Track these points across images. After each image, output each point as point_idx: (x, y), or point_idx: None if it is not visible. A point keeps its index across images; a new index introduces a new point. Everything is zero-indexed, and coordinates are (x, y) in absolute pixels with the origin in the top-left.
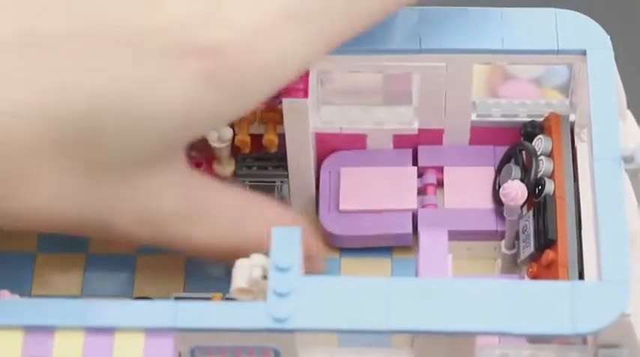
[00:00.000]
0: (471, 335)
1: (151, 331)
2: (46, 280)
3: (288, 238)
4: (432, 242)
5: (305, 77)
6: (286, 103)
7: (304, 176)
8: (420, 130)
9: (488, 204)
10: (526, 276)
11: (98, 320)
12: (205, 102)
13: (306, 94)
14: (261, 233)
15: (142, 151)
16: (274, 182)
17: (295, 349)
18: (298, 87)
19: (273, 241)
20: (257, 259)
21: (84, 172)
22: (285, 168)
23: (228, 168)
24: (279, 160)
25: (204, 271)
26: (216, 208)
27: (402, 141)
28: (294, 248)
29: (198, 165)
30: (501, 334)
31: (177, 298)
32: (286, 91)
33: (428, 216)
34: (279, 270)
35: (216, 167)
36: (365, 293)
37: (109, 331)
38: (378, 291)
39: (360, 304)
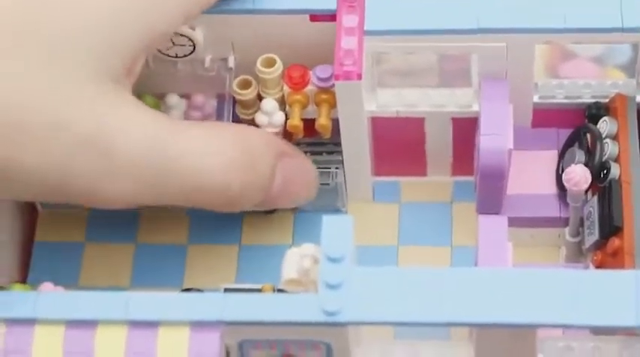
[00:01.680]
0: (532, 328)
1: (197, 325)
2: (94, 271)
3: (340, 227)
4: (492, 230)
5: (359, 59)
6: (339, 86)
7: (360, 162)
8: (478, 112)
9: (552, 189)
10: (591, 264)
11: (141, 314)
12: None
13: (359, 77)
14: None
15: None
16: (329, 168)
17: (347, 343)
18: (352, 69)
19: (324, 230)
20: (307, 248)
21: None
22: (341, 154)
23: None
24: (334, 145)
25: (257, 261)
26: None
27: (461, 124)
28: (346, 237)
29: None
30: (563, 326)
31: (226, 290)
32: (339, 74)
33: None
34: (330, 260)
35: None
36: (420, 284)
37: (152, 324)
38: (434, 281)
39: (416, 296)
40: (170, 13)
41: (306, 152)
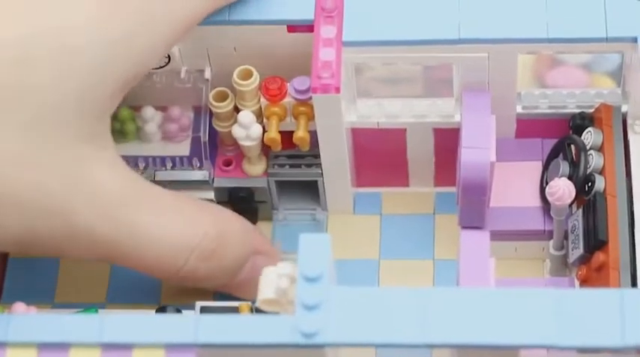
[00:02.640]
0: (515, 349)
1: (172, 347)
2: (70, 287)
3: (316, 246)
4: (474, 245)
5: (337, 71)
6: (317, 99)
7: (340, 174)
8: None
9: (536, 202)
10: (575, 279)
11: (115, 336)
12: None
13: (338, 90)
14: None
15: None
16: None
17: None
18: (329, 82)
19: (301, 249)
20: (284, 267)
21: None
22: (320, 166)
23: (258, 167)
24: (313, 157)
25: None
26: (163, 198)
27: (443, 134)
28: (324, 256)
29: (227, 163)
30: (547, 347)
31: (203, 308)
32: (317, 87)
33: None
34: (307, 280)
35: (246, 166)
36: (401, 305)
37: (126, 347)
38: (415, 302)
39: (396, 317)
40: (155, 52)
41: (284, 165)
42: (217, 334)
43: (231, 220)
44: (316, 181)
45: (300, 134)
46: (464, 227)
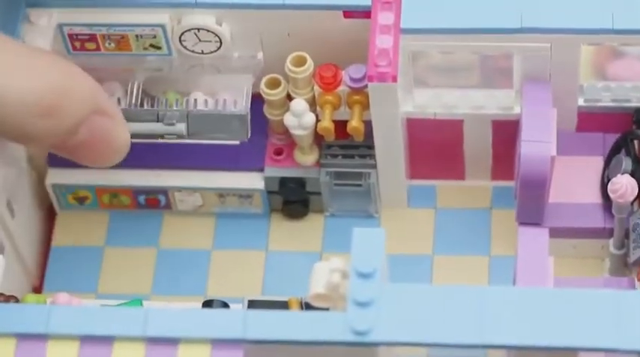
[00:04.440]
0: (573, 351)
1: (219, 343)
2: (114, 277)
3: (371, 241)
4: (532, 243)
5: (394, 59)
6: (373, 88)
7: (394, 166)
8: (520, 115)
9: (596, 198)
10: (636, 279)
11: (160, 330)
12: None
13: (394, 79)
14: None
15: None
16: (361, 172)
17: None
18: (386, 70)
19: (354, 243)
20: (337, 262)
21: None
22: (374, 157)
23: (310, 156)
24: (367, 148)
25: (284, 268)
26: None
27: (501, 127)
28: (378, 251)
29: (278, 152)
30: (607, 351)
31: (251, 302)
32: (373, 75)
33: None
34: (360, 276)
35: (298, 155)
36: (456, 303)
37: (172, 342)
38: (471, 301)
39: (451, 316)
40: None
41: (337, 155)
42: (266, 331)
43: (79, 75)
44: (369, 188)
45: (355, 124)
46: (522, 223)
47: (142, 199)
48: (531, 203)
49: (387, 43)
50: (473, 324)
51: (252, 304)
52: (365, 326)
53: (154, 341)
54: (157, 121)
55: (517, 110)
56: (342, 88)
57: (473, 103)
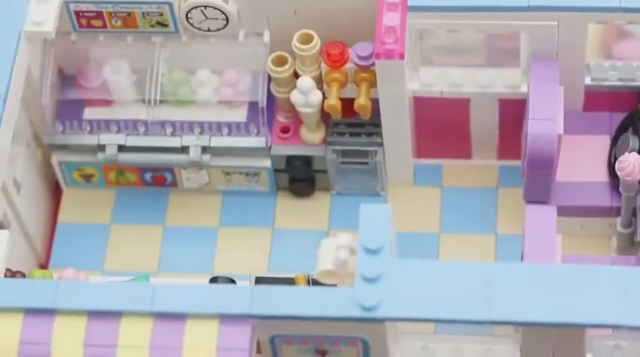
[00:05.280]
0: (581, 328)
1: (227, 318)
2: (120, 255)
3: (378, 217)
4: (540, 220)
5: (402, 36)
6: (380, 65)
7: (400, 144)
8: (527, 94)
9: (603, 177)
10: None
11: (168, 305)
12: None
13: (402, 56)
14: None
15: None
16: (368, 150)
17: (385, 339)
18: (393, 47)
19: (362, 220)
20: (344, 238)
21: None
22: (380, 135)
23: (317, 135)
24: (373, 126)
25: (291, 246)
26: None
27: (508, 106)
28: (385, 228)
29: (285, 130)
30: (614, 327)
31: (258, 279)
32: (380, 52)
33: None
34: (368, 252)
35: (305, 133)
36: (464, 279)
37: (179, 317)
38: (479, 277)
39: (459, 291)
40: None
41: (344, 133)
42: (274, 306)
43: None
44: (375, 166)
45: (362, 101)
46: (528, 202)
47: (148, 176)
48: (538, 182)
49: (394, 20)
50: (480, 300)
51: (259, 281)
52: (372, 302)
53: (161, 316)
54: (181, 151)
55: (524, 89)
56: (349, 66)
57: (479, 82)
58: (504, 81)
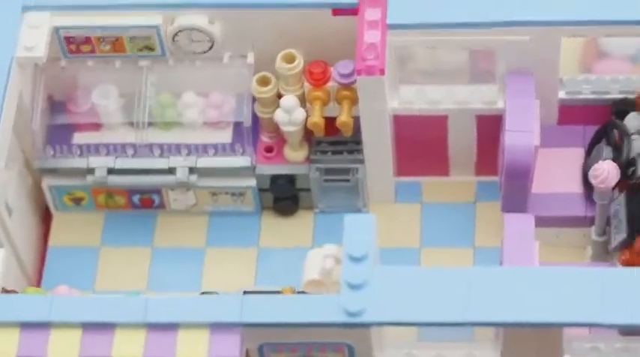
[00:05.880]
0: (559, 327)
1: (217, 327)
2: (110, 276)
3: (362, 226)
4: (519, 228)
5: (382, 53)
6: (361, 81)
7: (382, 161)
8: (503, 109)
9: (578, 188)
10: (618, 264)
11: (160, 316)
12: None
13: (382, 72)
14: None
15: None
16: (349, 167)
17: (370, 345)
18: (374, 64)
19: (346, 229)
20: (330, 249)
21: None
22: (362, 152)
23: (301, 153)
24: (355, 143)
25: (276, 264)
26: None
27: (485, 122)
28: (369, 236)
29: (269, 149)
30: (591, 326)
31: (245, 292)
32: (361, 68)
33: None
34: (352, 260)
35: (288, 152)
36: (445, 284)
37: (171, 327)
38: (459, 281)
39: (441, 295)
40: None
41: (326, 151)
42: (262, 314)
43: None
44: (357, 183)
45: (344, 119)
46: (506, 212)
47: (136, 198)
48: (516, 193)
49: (375, 37)
50: (462, 302)
51: (248, 294)
52: (357, 307)
53: (154, 327)
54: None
55: (500, 104)
56: (331, 84)
57: (457, 99)
58: (481, 97)
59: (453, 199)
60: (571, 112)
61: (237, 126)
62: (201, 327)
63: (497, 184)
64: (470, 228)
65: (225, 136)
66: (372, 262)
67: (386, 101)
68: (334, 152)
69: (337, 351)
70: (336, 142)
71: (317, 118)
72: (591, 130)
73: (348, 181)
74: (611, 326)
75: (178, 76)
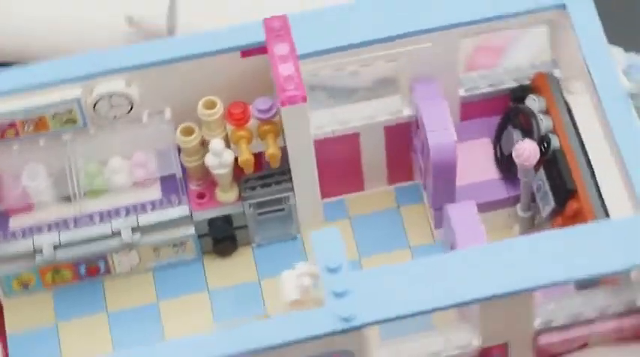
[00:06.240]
0: (530, 291)
1: None
2: (76, 348)
3: (330, 238)
4: (463, 215)
5: (300, 82)
6: (286, 112)
7: (310, 185)
8: (410, 116)
9: (494, 174)
10: None
11: None
12: None
13: (304, 99)
14: None
15: None
16: (281, 197)
17: (368, 346)
18: (295, 93)
19: (315, 244)
20: (302, 267)
21: None
22: (289, 182)
23: (232, 193)
24: (280, 174)
25: (229, 301)
26: None
27: (393, 132)
28: (338, 246)
29: (200, 196)
30: (559, 283)
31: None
32: (284, 100)
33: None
34: (330, 271)
35: (220, 194)
36: (419, 274)
37: None
38: (431, 269)
39: (419, 286)
40: None
41: (255, 187)
42: (264, 339)
43: None
44: (290, 210)
45: (272, 151)
46: (437, 209)
47: (82, 269)
48: (444, 188)
49: (290, 69)
50: (442, 288)
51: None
52: (349, 312)
53: None
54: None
55: (407, 112)
56: (251, 122)
57: (365, 114)
58: (388, 109)
59: (377, 208)
60: (471, 108)
61: (165, 180)
62: None
63: (413, 187)
64: (400, 231)
65: (155, 193)
66: (347, 270)
67: (309, 126)
68: (263, 185)
69: None
70: (262, 176)
71: (247, 155)
72: (493, 121)
73: (282, 210)
74: (578, 279)
75: (101, 144)
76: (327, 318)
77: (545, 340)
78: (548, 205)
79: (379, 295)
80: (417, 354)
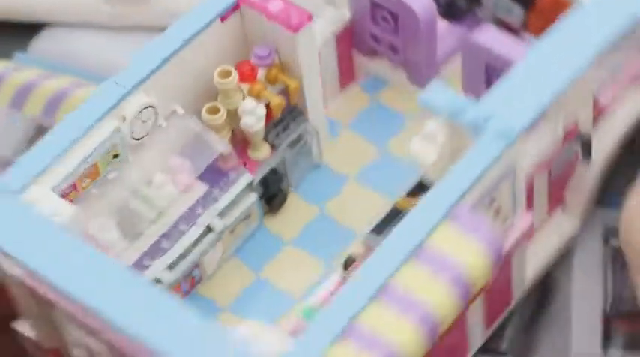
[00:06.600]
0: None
1: None
2: None
3: (438, 91)
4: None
5: (295, 8)
6: (302, 35)
7: (319, 104)
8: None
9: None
10: (530, 38)
11: None
12: None
13: (310, 17)
14: None
15: None
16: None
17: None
18: (299, 18)
19: (432, 103)
20: (425, 129)
21: None
22: (300, 114)
23: (264, 149)
24: (289, 112)
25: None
26: None
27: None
28: (449, 92)
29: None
30: None
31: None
32: (295, 25)
33: None
34: (459, 111)
35: (254, 154)
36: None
37: None
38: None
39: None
40: None
41: (278, 134)
42: None
43: None
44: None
45: (293, 85)
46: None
47: (185, 286)
48: (428, 49)
49: (279, 4)
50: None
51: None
52: (505, 127)
53: None
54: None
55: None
56: (260, 73)
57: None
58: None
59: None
60: None
61: (208, 169)
62: None
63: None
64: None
65: (202, 186)
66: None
67: (316, 40)
68: (284, 129)
69: None
70: (276, 123)
71: (277, 100)
72: None
73: (305, 143)
74: None
75: (140, 167)
76: (489, 144)
77: None
78: (516, 15)
79: (513, 105)
80: None
